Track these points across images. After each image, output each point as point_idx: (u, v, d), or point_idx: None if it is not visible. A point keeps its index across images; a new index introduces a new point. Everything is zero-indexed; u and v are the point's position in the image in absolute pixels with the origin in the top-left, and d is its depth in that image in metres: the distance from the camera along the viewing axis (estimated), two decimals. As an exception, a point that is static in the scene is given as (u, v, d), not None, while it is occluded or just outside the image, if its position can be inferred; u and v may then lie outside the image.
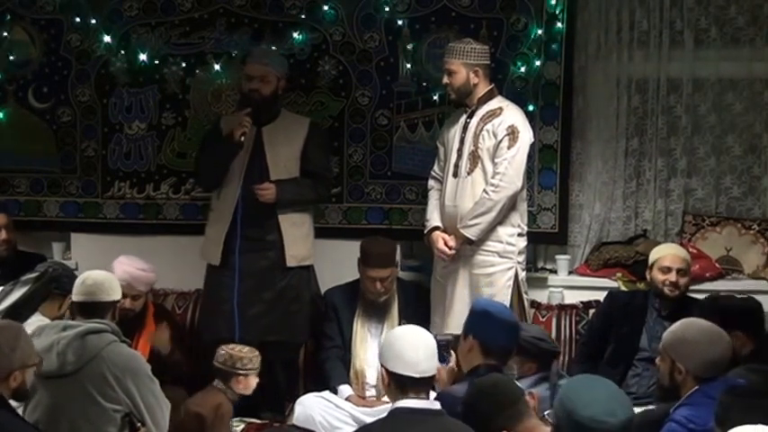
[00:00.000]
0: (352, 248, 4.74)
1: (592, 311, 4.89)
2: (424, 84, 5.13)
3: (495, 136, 4.46)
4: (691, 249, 4.90)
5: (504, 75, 5.05)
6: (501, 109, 4.52)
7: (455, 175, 4.53)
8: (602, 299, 4.84)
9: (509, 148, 4.43)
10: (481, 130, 4.48)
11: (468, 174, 4.49)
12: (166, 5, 5.23)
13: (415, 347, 3.06)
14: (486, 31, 5.06)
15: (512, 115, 4.50)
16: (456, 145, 4.55)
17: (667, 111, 5.17)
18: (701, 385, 3.29)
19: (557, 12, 5.00)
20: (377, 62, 5.15)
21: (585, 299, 4.99)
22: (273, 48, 5.05)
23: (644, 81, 5.17)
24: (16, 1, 5.29)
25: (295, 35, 5.11)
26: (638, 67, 5.16)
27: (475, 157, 4.49)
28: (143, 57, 5.20)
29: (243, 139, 4.50)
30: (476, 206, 4.44)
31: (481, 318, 3.51)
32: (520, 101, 4.89)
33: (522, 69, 5.05)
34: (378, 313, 4.69)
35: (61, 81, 5.32)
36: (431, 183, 4.73)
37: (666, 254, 4.60)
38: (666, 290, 4.52)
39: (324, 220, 5.24)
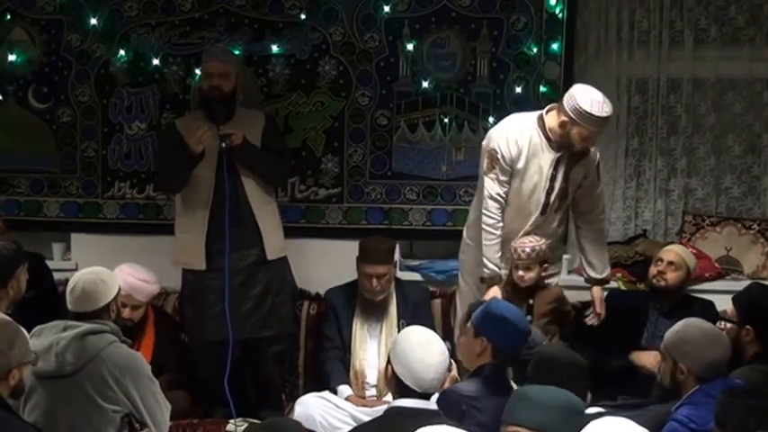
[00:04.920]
0: (351, 248, 4.73)
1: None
2: (424, 84, 5.12)
3: (585, 175, 4.40)
4: (690, 249, 4.90)
5: (505, 75, 5.05)
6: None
7: (543, 212, 4.38)
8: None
9: (599, 179, 4.48)
10: (572, 167, 4.36)
11: (556, 211, 4.43)
12: (166, 5, 5.22)
13: (428, 368, 3.06)
14: (487, 30, 5.07)
15: (597, 152, 4.47)
16: (544, 183, 4.33)
17: (667, 110, 5.18)
18: (702, 385, 3.30)
19: (557, 11, 5.00)
20: (377, 62, 5.15)
21: (586, 299, 4.98)
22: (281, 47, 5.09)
23: (644, 81, 5.18)
24: (17, 1, 5.29)
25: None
26: (638, 66, 5.17)
27: (564, 194, 4.40)
28: (143, 57, 5.21)
29: (224, 146, 4.47)
30: (600, 249, 4.52)
31: (499, 322, 3.52)
32: (520, 101, 4.91)
33: (523, 69, 5.05)
34: (376, 313, 4.69)
35: (61, 81, 5.32)
36: (494, 213, 4.31)
37: (665, 249, 4.67)
38: (654, 280, 4.57)
39: (324, 220, 5.24)
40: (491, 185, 4.31)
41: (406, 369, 3.06)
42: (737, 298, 3.84)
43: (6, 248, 3.80)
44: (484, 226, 4.31)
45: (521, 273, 4.31)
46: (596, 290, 4.54)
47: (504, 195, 4.31)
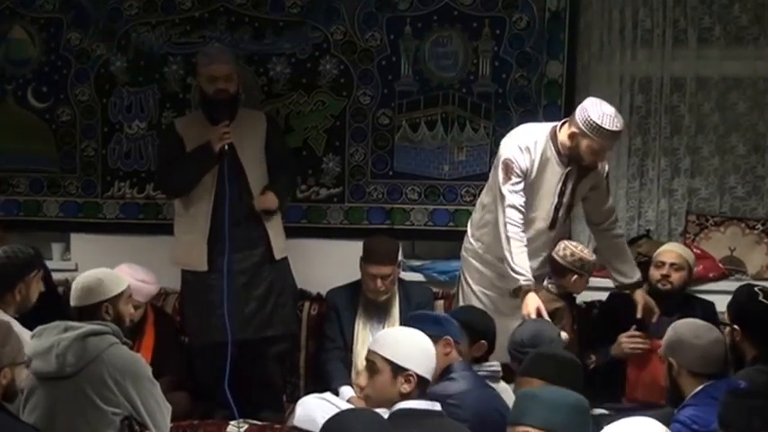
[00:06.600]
0: (353, 248, 4.72)
1: (594, 311, 4.86)
2: (426, 83, 5.10)
3: (591, 186, 4.39)
4: (694, 249, 4.89)
5: (507, 74, 5.03)
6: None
7: (552, 227, 4.36)
8: (604, 299, 4.83)
9: (608, 191, 4.51)
10: (579, 180, 4.33)
11: (561, 224, 4.41)
12: (167, 4, 5.21)
13: (432, 355, 3.15)
14: (489, 29, 5.05)
15: (606, 164, 4.45)
16: (553, 199, 4.31)
17: (671, 110, 5.15)
18: (706, 386, 3.29)
19: (559, 10, 4.98)
20: (378, 61, 5.13)
21: (588, 299, 4.97)
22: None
23: (647, 80, 5.16)
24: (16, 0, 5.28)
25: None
26: (641, 65, 5.15)
27: (569, 208, 4.38)
28: (143, 56, 5.19)
29: (227, 148, 4.45)
30: (623, 255, 4.55)
31: (448, 319, 3.71)
32: (522, 100, 4.87)
33: (525, 68, 5.03)
34: (378, 313, 4.67)
35: (61, 80, 5.30)
36: (518, 222, 4.20)
37: (663, 250, 4.64)
38: (659, 284, 4.54)
39: (325, 220, 5.22)
40: (510, 196, 4.20)
41: (423, 364, 3.08)
42: (730, 300, 3.85)
43: (22, 252, 3.79)
44: (511, 235, 4.17)
45: (580, 280, 4.36)
46: (637, 294, 4.49)
47: (523, 205, 4.22)
